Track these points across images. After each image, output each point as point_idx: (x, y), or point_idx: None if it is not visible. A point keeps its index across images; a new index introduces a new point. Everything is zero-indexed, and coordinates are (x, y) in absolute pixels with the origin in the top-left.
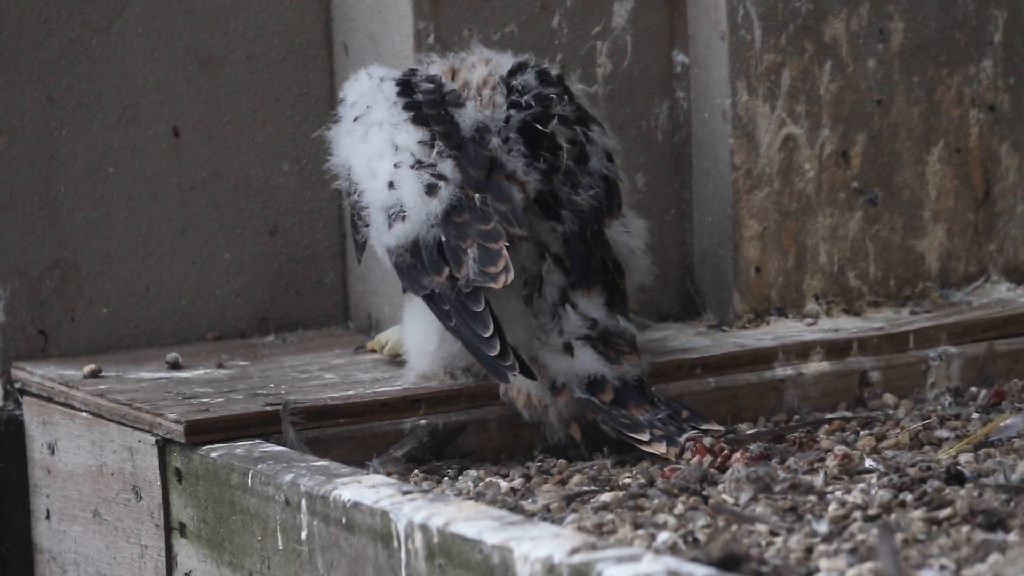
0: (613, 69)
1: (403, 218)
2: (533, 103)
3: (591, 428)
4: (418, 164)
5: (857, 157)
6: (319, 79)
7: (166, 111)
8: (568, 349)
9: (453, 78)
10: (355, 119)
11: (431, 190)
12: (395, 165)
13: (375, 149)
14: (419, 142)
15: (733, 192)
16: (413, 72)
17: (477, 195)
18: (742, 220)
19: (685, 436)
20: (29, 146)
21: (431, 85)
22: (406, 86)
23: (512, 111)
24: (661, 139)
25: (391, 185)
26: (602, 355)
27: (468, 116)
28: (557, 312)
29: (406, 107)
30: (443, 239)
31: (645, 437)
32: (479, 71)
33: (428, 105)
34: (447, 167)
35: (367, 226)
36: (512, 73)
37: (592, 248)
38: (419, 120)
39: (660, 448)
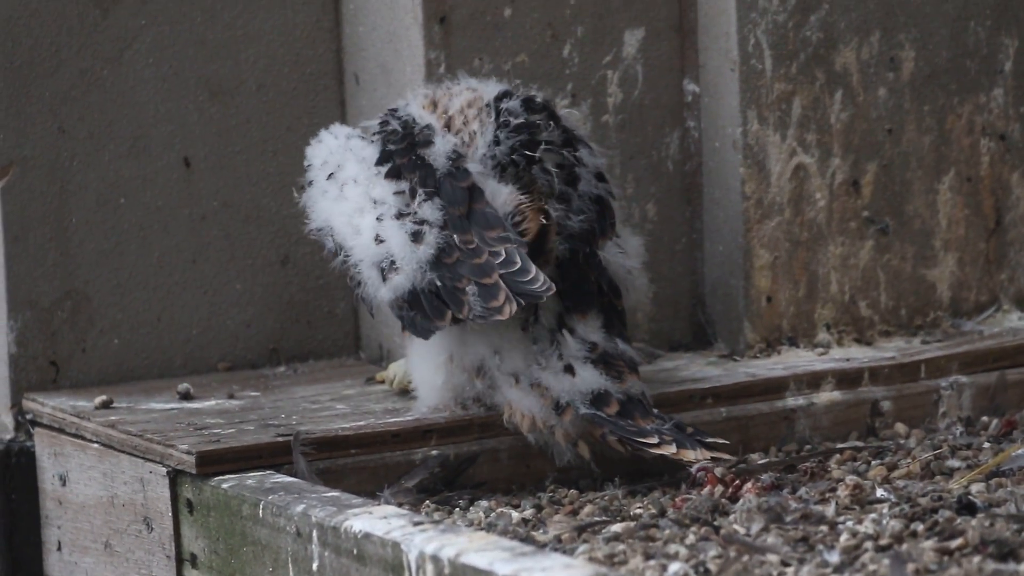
0: (624, 98)
1: (395, 270)
2: (521, 129)
3: (599, 445)
4: (399, 214)
5: (868, 186)
6: (330, 109)
7: (177, 141)
8: (569, 369)
9: (435, 108)
10: (328, 177)
11: (417, 237)
12: (377, 219)
13: (354, 205)
14: (395, 193)
15: (744, 221)
16: (392, 111)
17: (456, 236)
18: (753, 249)
19: (696, 467)
20: (40, 176)
21: (399, 131)
22: (377, 138)
23: (501, 132)
24: (672, 168)
25: (377, 239)
26: (603, 372)
27: (439, 151)
28: (555, 337)
29: (377, 162)
30: (439, 283)
31: (654, 440)
32: (462, 96)
33: (399, 154)
34: (427, 211)
35: (359, 284)
36: (499, 99)
37: (585, 271)
38: (392, 173)
39: (670, 450)
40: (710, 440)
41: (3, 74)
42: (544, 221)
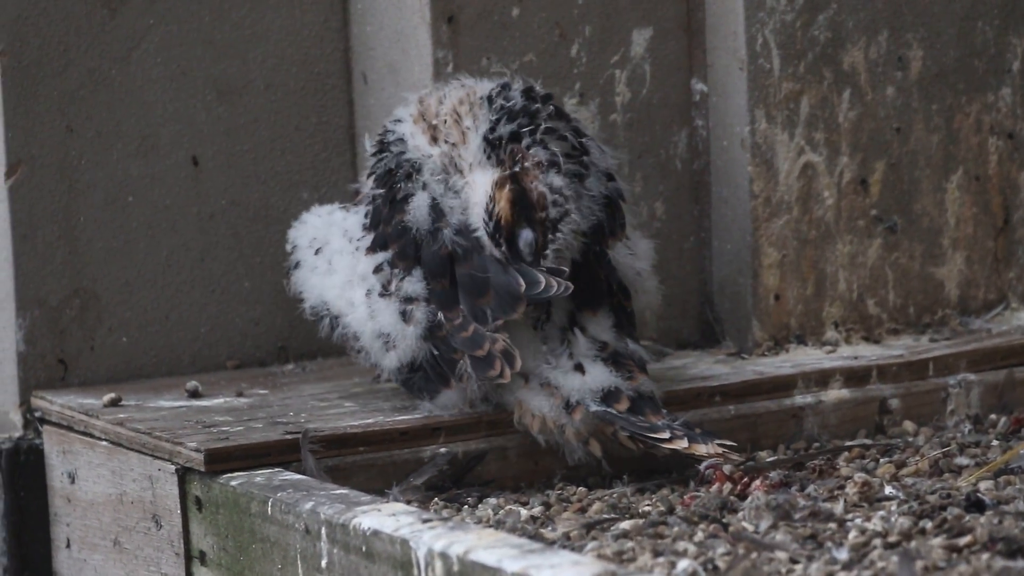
0: (632, 97)
1: (393, 347)
2: (519, 114)
3: (610, 443)
4: (384, 292)
5: (876, 185)
6: (338, 108)
7: (185, 140)
8: (579, 368)
9: (423, 119)
10: (316, 252)
11: (406, 316)
12: (366, 294)
13: (343, 278)
14: (375, 270)
15: (752, 220)
16: (382, 143)
17: (441, 314)
18: (761, 248)
19: (705, 464)
20: (49, 175)
21: (385, 187)
22: (372, 202)
23: (495, 116)
24: (680, 167)
25: (371, 315)
26: (614, 370)
27: (418, 208)
28: (566, 336)
29: (364, 229)
30: (435, 352)
31: (666, 435)
32: (454, 95)
33: (384, 219)
34: (409, 287)
35: (362, 352)
36: (496, 91)
37: (595, 269)
38: (375, 244)
39: (682, 444)
40: (719, 442)
41: (12, 73)
42: (512, 187)
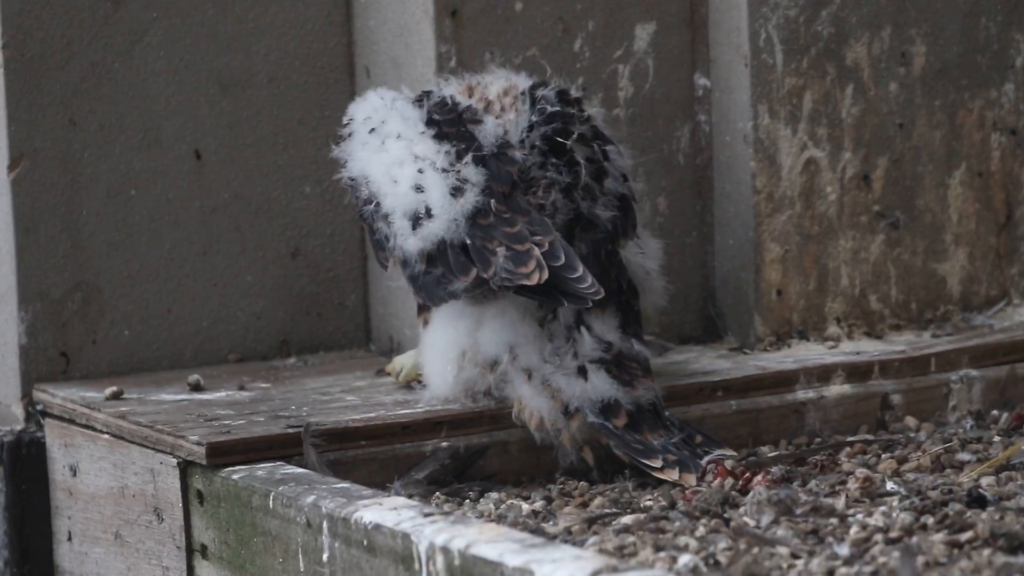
0: (635, 92)
1: (431, 217)
2: (555, 118)
3: (604, 453)
4: (442, 169)
5: (879, 180)
6: (341, 102)
7: (188, 134)
8: (582, 372)
9: (470, 95)
10: (370, 131)
11: (457, 192)
12: (419, 170)
13: (395, 157)
14: (440, 151)
15: (754, 215)
16: (427, 93)
17: (493, 201)
18: (763, 243)
19: (707, 459)
20: (51, 169)
21: (447, 104)
22: (421, 106)
23: (536, 117)
24: (683, 162)
25: (417, 188)
26: (616, 379)
27: (488, 131)
28: (572, 335)
29: (426, 123)
30: (469, 241)
31: (658, 464)
32: (498, 84)
33: (446, 124)
34: (471, 172)
35: (385, 237)
36: (535, 87)
37: (607, 268)
38: (439, 136)
39: (673, 475)
40: (718, 452)
41: (15, 67)
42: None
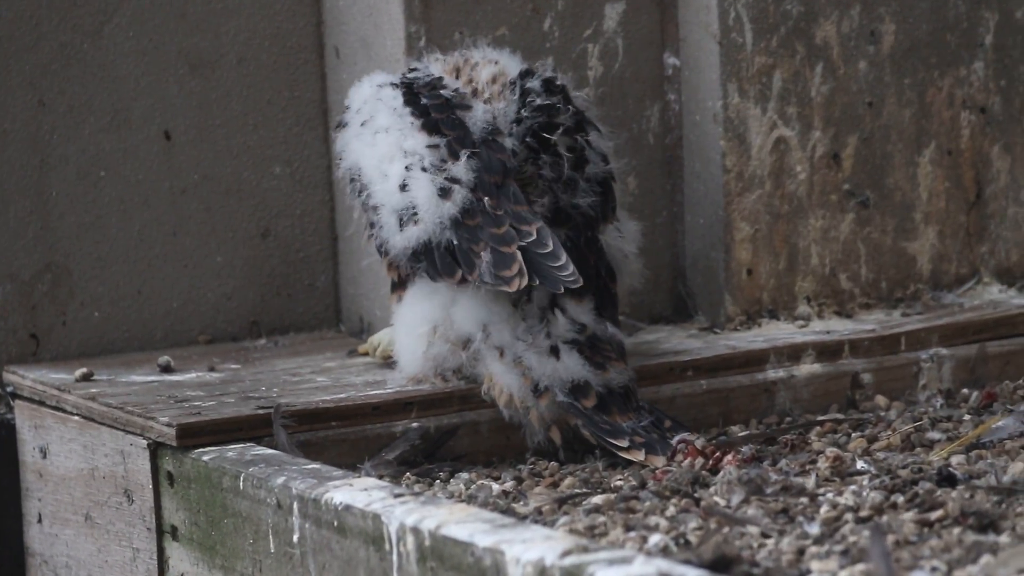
0: (604, 72)
1: (416, 221)
2: (541, 111)
3: (572, 433)
4: (430, 167)
5: (848, 159)
6: (310, 82)
7: (157, 114)
8: (554, 352)
9: (457, 76)
10: (362, 124)
11: (444, 193)
12: (406, 168)
13: (384, 151)
14: (428, 146)
15: (724, 194)
16: (414, 73)
17: (487, 199)
18: (733, 222)
19: (677, 438)
20: (20, 150)
21: (436, 89)
22: (410, 91)
23: (525, 112)
24: (652, 141)
25: (403, 187)
26: (588, 360)
27: (478, 118)
28: (546, 315)
29: (413, 113)
30: (455, 242)
31: (624, 443)
32: (487, 69)
33: (435, 109)
34: (460, 170)
35: (374, 226)
36: (523, 76)
37: (586, 255)
38: (428, 126)
39: (639, 455)
40: (686, 435)
41: None
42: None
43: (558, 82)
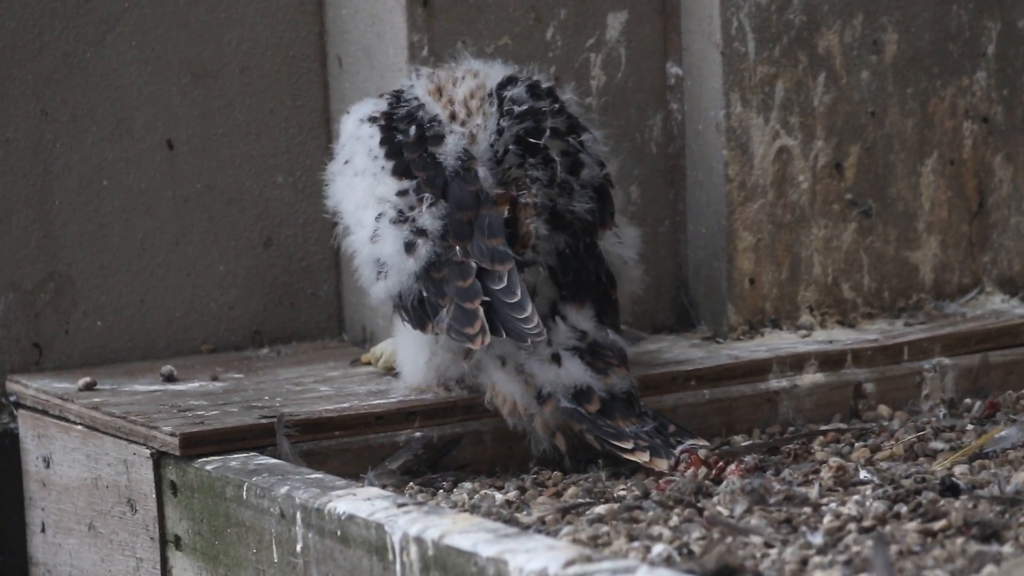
0: (607, 81)
1: (384, 276)
2: (526, 116)
3: (576, 440)
4: (399, 216)
5: (851, 169)
6: (313, 92)
7: (160, 123)
8: (556, 359)
9: (440, 95)
10: (345, 162)
11: (409, 248)
12: (376, 218)
13: (360, 198)
14: (399, 192)
15: (727, 204)
16: (398, 98)
17: (457, 247)
18: (736, 232)
19: (680, 448)
20: (23, 159)
21: (412, 122)
22: (387, 127)
23: (505, 121)
24: (655, 151)
25: (373, 238)
26: (590, 366)
27: (450, 150)
28: (547, 323)
29: (387, 155)
30: (424, 294)
31: (629, 446)
32: (466, 84)
33: (408, 148)
34: (427, 219)
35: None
36: (502, 86)
37: (585, 261)
38: (399, 169)
39: (643, 457)
40: (691, 442)
41: None
42: (508, 213)
43: (544, 85)
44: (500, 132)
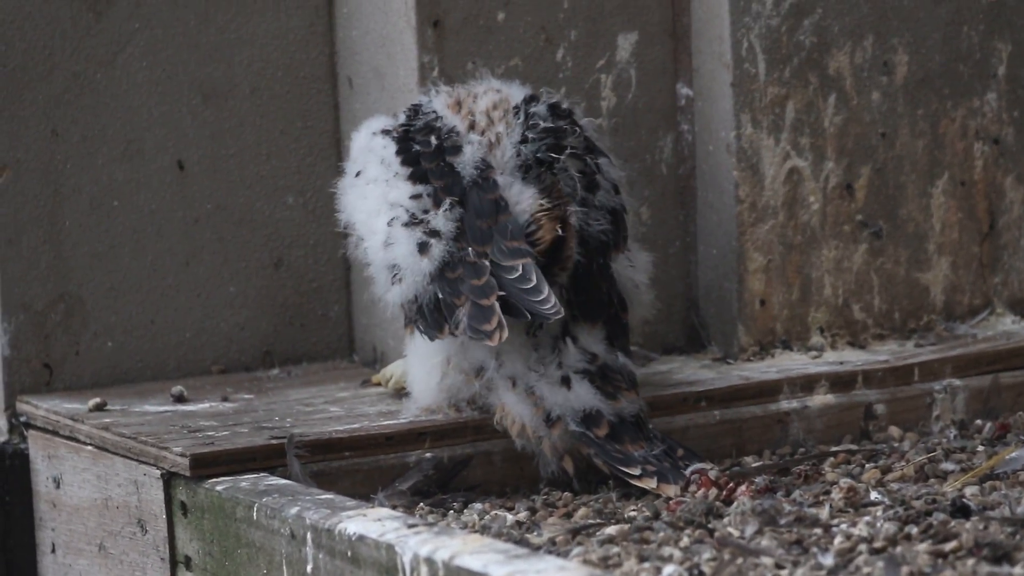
0: (617, 102)
1: (399, 280)
2: (548, 134)
3: (584, 463)
4: (412, 220)
5: (862, 190)
6: (323, 113)
7: (171, 144)
8: (565, 382)
9: (459, 108)
10: (356, 175)
11: (423, 248)
12: (388, 223)
13: (372, 206)
14: (412, 196)
15: (738, 225)
16: (416, 111)
17: (470, 248)
18: (747, 253)
19: (691, 469)
20: (34, 180)
21: (430, 133)
22: (404, 138)
23: (530, 134)
24: (666, 172)
25: (386, 243)
26: (599, 390)
27: (468, 159)
28: (557, 345)
29: (402, 163)
30: (439, 295)
31: (636, 472)
32: (487, 98)
33: (426, 158)
34: (440, 221)
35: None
36: (527, 102)
37: (598, 282)
38: (415, 176)
39: (651, 483)
40: (698, 465)
41: None
42: (559, 231)
43: (564, 106)
44: (525, 143)
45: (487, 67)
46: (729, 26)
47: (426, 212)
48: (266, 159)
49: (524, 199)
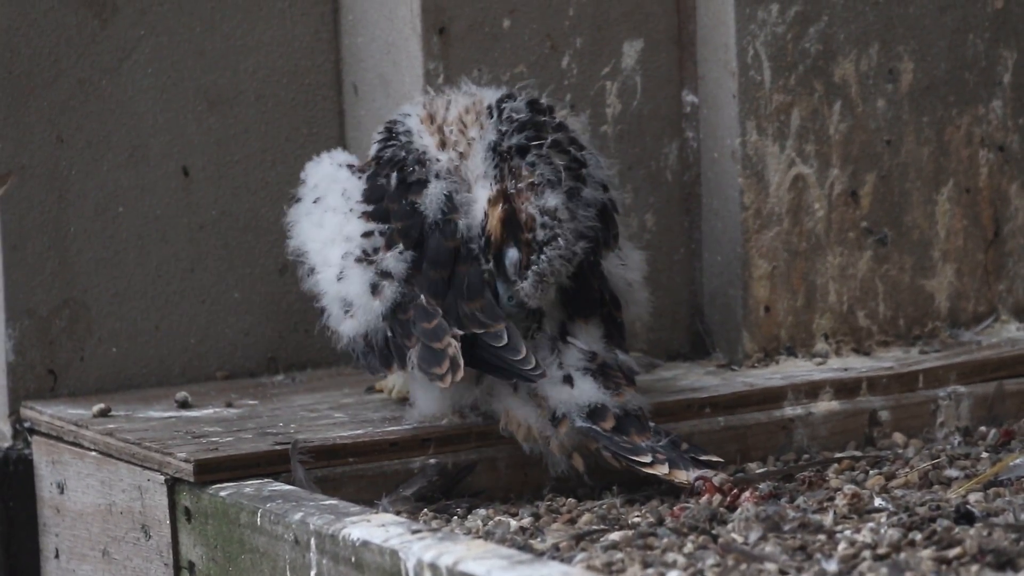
0: (623, 109)
1: (351, 312)
2: (526, 126)
3: (593, 459)
4: (364, 257)
5: (867, 197)
6: (329, 119)
7: (176, 151)
8: (568, 380)
9: (432, 121)
10: (315, 201)
11: (375, 289)
12: (342, 256)
13: (328, 235)
14: (363, 234)
15: (742, 231)
16: (390, 131)
17: (422, 296)
18: (751, 259)
19: (695, 475)
20: (39, 186)
21: (397, 160)
22: (371, 177)
23: (504, 126)
24: (671, 179)
25: (340, 278)
26: (602, 385)
27: (432, 196)
28: (556, 346)
29: (364, 199)
30: (389, 334)
31: (648, 459)
32: (460, 103)
33: (389, 198)
34: (391, 262)
35: (324, 312)
36: (501, 100)
37: (588, 278)
38: (376, 215)
39: (663, 469)
40: (704, 458)
41: (2, 84)
42: (504, 207)
43: (543, 102)
44: (502, 135)
45: (492, 74)
46: (735, 34)
47: (376, 251)
48: (271, 166)
49: (478, 204)
